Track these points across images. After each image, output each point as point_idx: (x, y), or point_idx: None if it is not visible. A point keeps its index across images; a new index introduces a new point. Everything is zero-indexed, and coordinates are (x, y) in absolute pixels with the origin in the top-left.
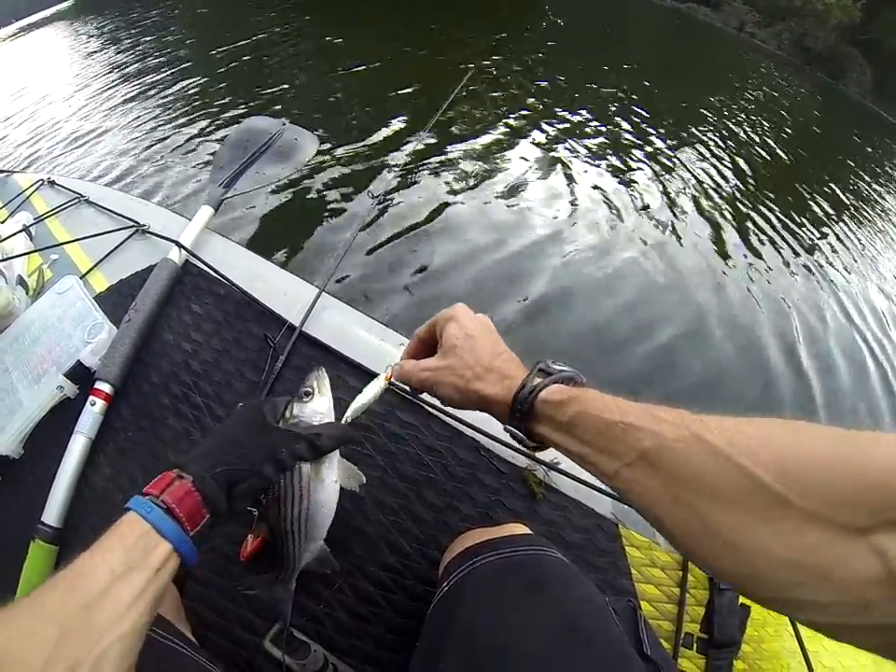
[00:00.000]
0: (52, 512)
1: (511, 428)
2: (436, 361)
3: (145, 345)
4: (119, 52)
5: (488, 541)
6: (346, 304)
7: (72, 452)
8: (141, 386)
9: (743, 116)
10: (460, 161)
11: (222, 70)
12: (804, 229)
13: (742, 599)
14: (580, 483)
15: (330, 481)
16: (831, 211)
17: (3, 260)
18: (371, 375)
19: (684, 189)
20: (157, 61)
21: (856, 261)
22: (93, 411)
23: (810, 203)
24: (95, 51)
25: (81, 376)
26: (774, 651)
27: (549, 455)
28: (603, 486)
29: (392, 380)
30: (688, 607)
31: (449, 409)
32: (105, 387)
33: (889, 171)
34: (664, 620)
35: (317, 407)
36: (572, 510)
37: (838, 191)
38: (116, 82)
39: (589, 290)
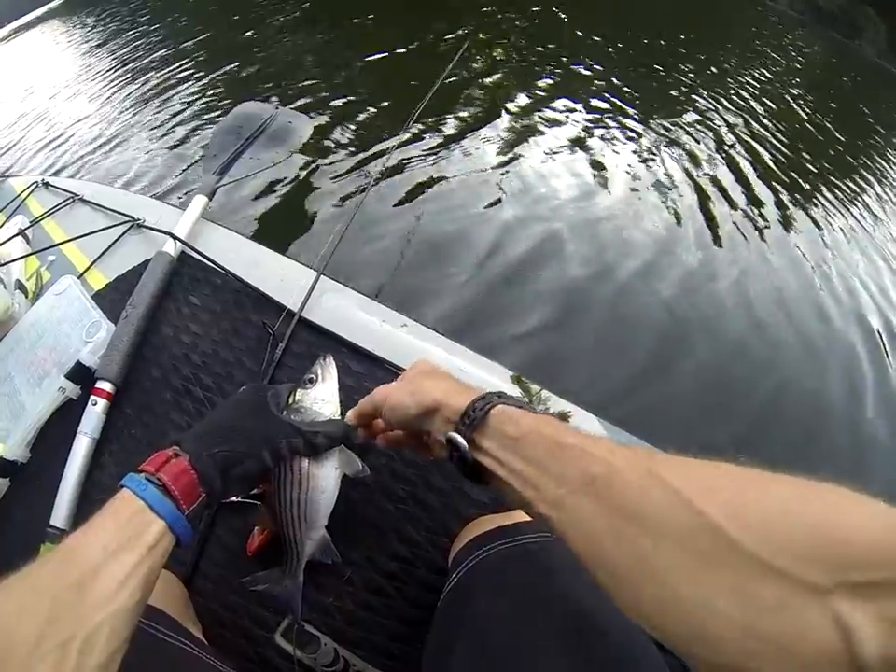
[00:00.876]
0: (60, 515)
1: (453, 435)
2: (393, 388)
3: (144, 341)
4: (107, 48)
5: (496, 529)
6: (346, 286)
7: (76, 453)
8: (142, 383)
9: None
10: (457, 138)
11: (214, 58)
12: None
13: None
14: None
15: (331, 467)
16: None
17: (0, 266)
18: (373, 359)
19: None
20: (144, 52)
21: None
22: (96, 410)
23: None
24: (85, 48)
25: (82, 376)
26: None
27: None
28: None
29: None
30: None
31: None
32: (106, 386)
33: None
34: None
35: (320, 394)
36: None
37: None
38: (103, 76)
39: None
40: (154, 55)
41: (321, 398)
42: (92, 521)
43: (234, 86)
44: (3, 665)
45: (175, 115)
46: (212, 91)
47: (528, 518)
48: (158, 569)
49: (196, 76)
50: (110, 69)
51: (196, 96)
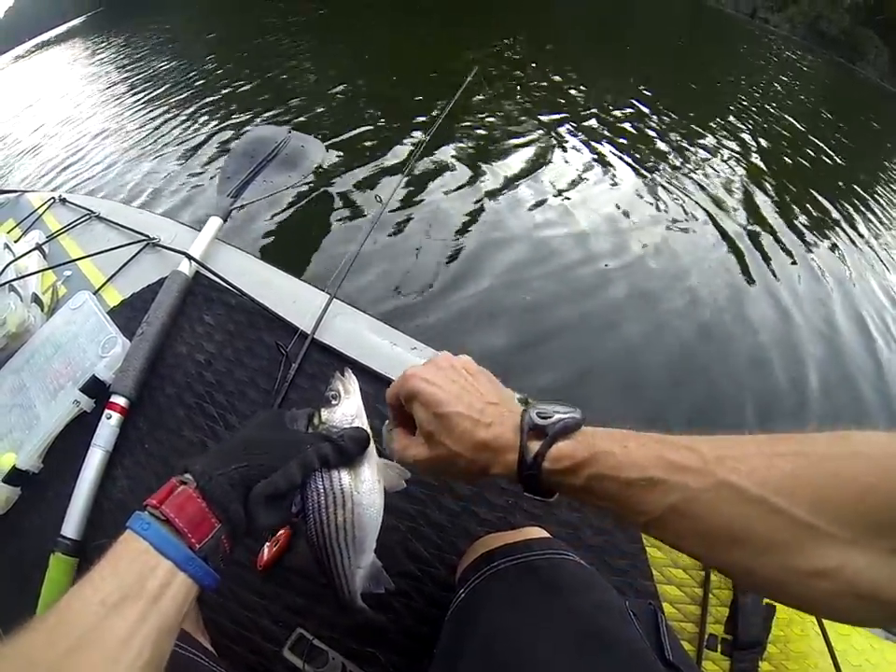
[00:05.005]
0: (72, 525)
1: (532, 496)
2: (424, 451)
3: (158, 358)
4: (126, 68)
5: (504, 546)
6: (357, 309)
7: (89, 465)
8: (156, 398)
9: (758, 106)
10: (467, 162)
11: (228, 81)
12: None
13: (767, 598)
14: None
15: (373, 480)
16: None
17: (18, 279)
18: (385, 381)
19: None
20: (162, 74)
21: None
22: (110, 424)
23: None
24: (105, 67)
25: (97, 390)
26: (801, 651)
27: None
28: None
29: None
30: (711, 607)
31: None
32: (120, 401)
33: None
34: (687, 621)
35: (347, 410)
36: (590, 510)
37: None
38: (123, 97)
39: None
40: (172, 77)
41: (349, 413)
42: (91, 572)
43: (249, 109)
44: None
45: (190, 136)
46: (228, 114)
47: (536, 536)
48: (172, 622)
49: (212, 98)
50: (129, 89)
51: (212, 118)
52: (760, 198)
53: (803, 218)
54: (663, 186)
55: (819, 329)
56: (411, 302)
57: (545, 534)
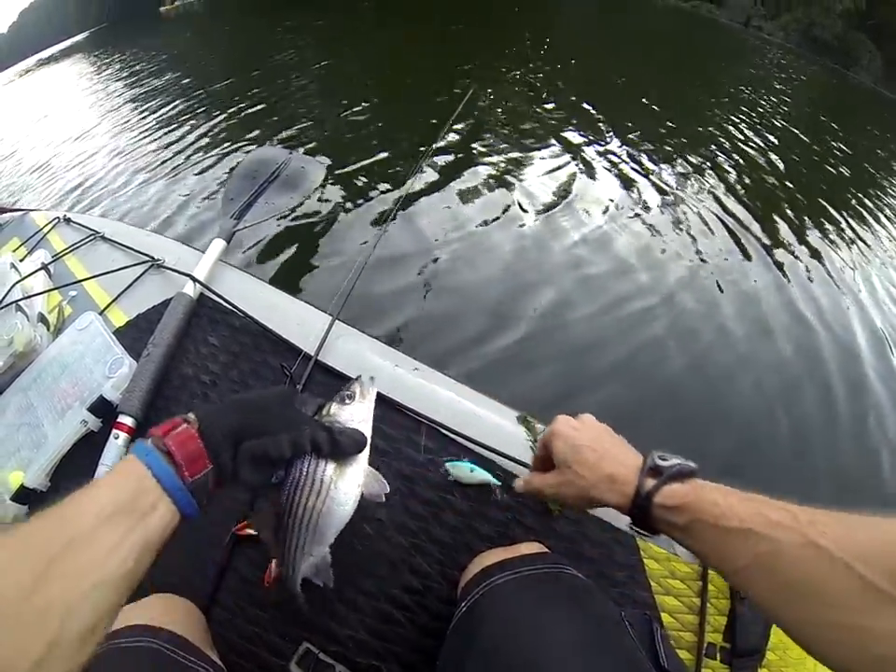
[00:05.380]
0: None
1: (636, 528)
2: (555, 477)
3: (164, 379)
4: (129, 85)
5: (504, 561)
6: (360, 331)
7: None
8: (162, 419)
9: (757, 114)
10: (468, 181)
11: (232, 100)
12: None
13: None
14: None
15: (354, 483)
16: None
17: (23, 298)
18: (388, 402)
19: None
20: (166, 93)
21: None
22: (117, 444)
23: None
24: (109, 84)
25: (104, 410)
26: (799, 657)
27: None
28: None
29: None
30: (709, 616)
31: (465, 431)
32: (127, 420)
33: None
34: (685, 631)
35: (357, 413)
36: (589, 524)
37: None
38: (127, 115)
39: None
40: (175, 95)
41: (358, 417)
42: (91, 486)
43: (252, 130)
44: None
45: (194, 156)
46: (230, 136)
47: (534, 550)
48: (155, 540)
49: (216, 120)
50: (132, 107)
51: (216, 138)
52: (780, 216)
53: (816, 233)
54: (686, 208)
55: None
56: (414, 323)
57: (543, 548)
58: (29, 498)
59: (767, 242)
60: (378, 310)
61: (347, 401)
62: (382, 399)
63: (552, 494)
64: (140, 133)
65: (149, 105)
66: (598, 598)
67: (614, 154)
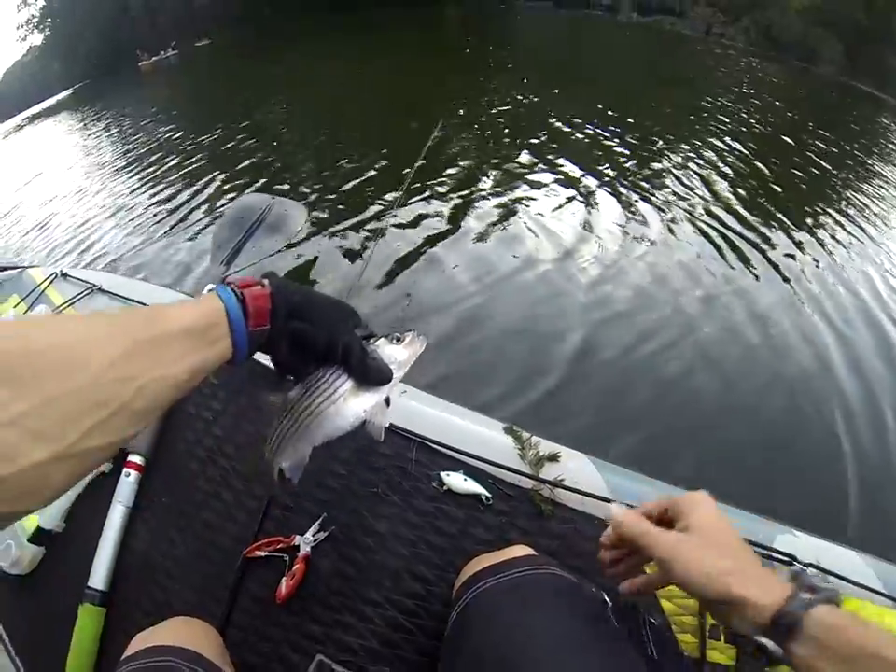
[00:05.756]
0: (98, 577)
1: (766, 643)
2: (682, 538)
3: (169, 417)
4: (116, 141)
5: (489, 567)
6: None
7: (112, 520)
8: (170, 455)
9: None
10: (441, 213)
11: (212, 149)
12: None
13: None
14: (585, 496)
15: (362, 407)
16: None
17: None
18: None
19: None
20: (151, 146)
21: None
22: (129, 481)
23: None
24: (97, 141)
25: None
26: None
27: (552, 473)
28: (608, 495)
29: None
30: None
31: (454, 444)
32: (137, 459)
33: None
34: (687, 615)
35: (396, 354)
36: (581, 521)
37: None
38: (116, 171)
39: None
40: (160, 149)
41: (396, 357)
42: (179, 302)
43: (235, 178)
44: (73, 373)
45: (182, 206)
46: (216, 184)
47: (520, 554)
48: (207, 368)
49: (198, 169)
50: (121, 161)
51: (200, 189)
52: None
53: (814, 239)
54: (687, 227)
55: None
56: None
57: (530, 551)
58: (46, 540)
59: (771, 255)
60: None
61: (394, 342)
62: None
63: (663, 553)
64: (128, 187)
65: (136, 158)
66: (584, 596)
67: (607, 180)
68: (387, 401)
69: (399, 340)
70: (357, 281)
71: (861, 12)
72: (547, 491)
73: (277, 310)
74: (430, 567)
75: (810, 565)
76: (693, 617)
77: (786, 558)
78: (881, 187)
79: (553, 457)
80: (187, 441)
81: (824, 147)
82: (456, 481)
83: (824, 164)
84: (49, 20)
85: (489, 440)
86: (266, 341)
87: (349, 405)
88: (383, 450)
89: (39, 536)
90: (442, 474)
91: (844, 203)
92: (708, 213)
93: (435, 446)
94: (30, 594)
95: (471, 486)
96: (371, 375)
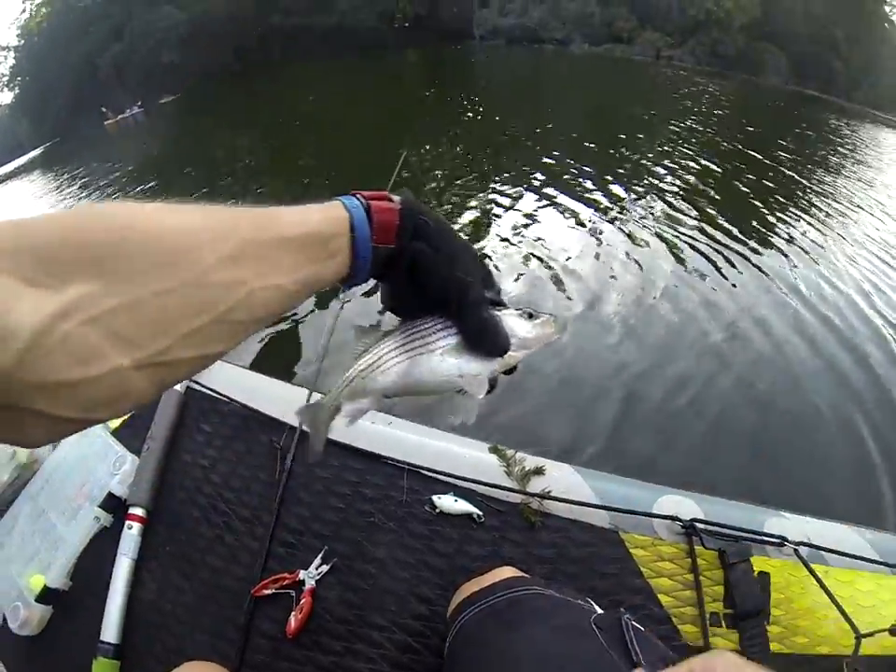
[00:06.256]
0: (110, 630)
1: None
2: None
3: (167, 468)
4: (89, 196)
5: (474, 594)
6: None
7: (119, 573)
8: (170, 505)
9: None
10: None
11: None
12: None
13: (759, 566)
14: (573, 504)
15: (457, 369)
16: None
17: None
18: (370, 455)
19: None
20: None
21: None
22: (132, 533)
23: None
24: (73, 199)
25: (114, 505)
26: (806, 608)
27: (538, 486)
28: (597, 501)
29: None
30: (706, 588)
31: (443, 468)
32: (138, 511)
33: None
34: (686, 606)
35: (521, 329)
36: (572, 529)
37: None
38: None
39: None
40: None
41: (520, 333)
42: (298, 207)
43: None
44: (175, 270)
45: None
46: None
47: (503, 577)
48: (320, 283)
49: None
50: None
51: None
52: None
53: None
54: (684, 255)
55: None
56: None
57: (514, 572)
58: (53, 598)
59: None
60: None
61: (525, 318)
62: (363, 454)
63: None
64: None
65: None
66: (562, 610)
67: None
68: (492, 384)
69: (531, 316)
70: (334, 325)
71: (800, 22)
72: (536, 503)
73: (405, 229)
74: (432, 587)
75: (801, 543)
76: (692, 608)
77: (777, 540)
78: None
79: (539, 471)
80: (186, 489)
81: (788, 155)
82: (448, 502)
83: (791, 173)
84: (19, 78)
85: (476, 460)
86: (386, 262)
87: (446, 361)
88: (375, 480)
89: (47, 595)
90: (434, 498)
91: (803, 208)
92: (694, 239)
93: (425, 472)
94: (42, 653)
95: (463, 507)
96: (485, 337)
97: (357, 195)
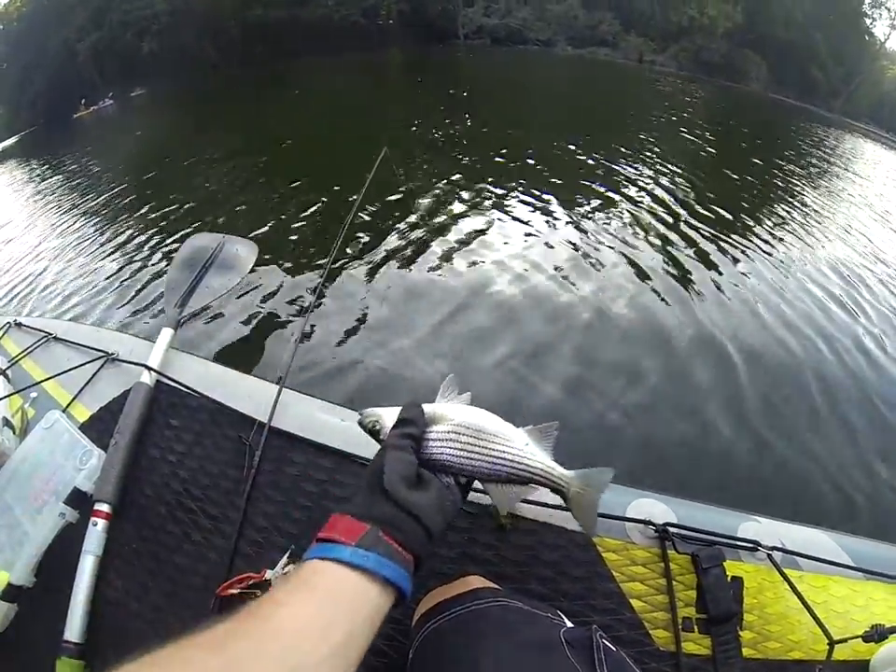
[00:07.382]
0: (74, 629)
1: None
2: None
3: (134, 463)
4: (61, 188)
5: (439, 604)
6: (306, 395)
7: (83, 571)
8: (137, 501)
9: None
10: (387, 245)
11: (158, 193)
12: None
13: (732, 571)
14: (545, 507)
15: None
16: None
17: None
18: (340, 454)
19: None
20: (99, 191)
21: None
22: (97, 530)
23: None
24: (41, 188)
25: (80, 501)
26: (778, 612)
27: None
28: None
29: None
30: (679, 592)
31: None
32: (104, 507)
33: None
34: (658, 611)
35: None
36: (543, 532)
37: None
38: (65, 217)
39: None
40: (109, 194)
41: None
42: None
43: (184, 218)
44: None
45: (133, 252)
46: (165, 226)
47: (468, 588)
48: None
49: (146, 213)
50: (69, 209)
51: (149, 232)
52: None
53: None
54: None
55: None
56: (354, 379)
57: (481, 583)
58: (17, 596)
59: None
60: (321, 373)
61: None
62: (335, 453)
63: None
64: (78, 233)
65: (85, 203)
66: (535, 624)
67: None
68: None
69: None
70: (306, 320)
71: (781, 29)
72: None
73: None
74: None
75: (775, 548)
76: (665, 612)
77: (750, 545)
78: None
79: None
80: (153, 485)
81: (780, 164)
82: None
83: (776, 182)
84: None
85: None
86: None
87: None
88: (344, 479)
89: (10, 592)
90: None
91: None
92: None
93: None
94: (4, 652)
95: None
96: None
97: (385, 538)
